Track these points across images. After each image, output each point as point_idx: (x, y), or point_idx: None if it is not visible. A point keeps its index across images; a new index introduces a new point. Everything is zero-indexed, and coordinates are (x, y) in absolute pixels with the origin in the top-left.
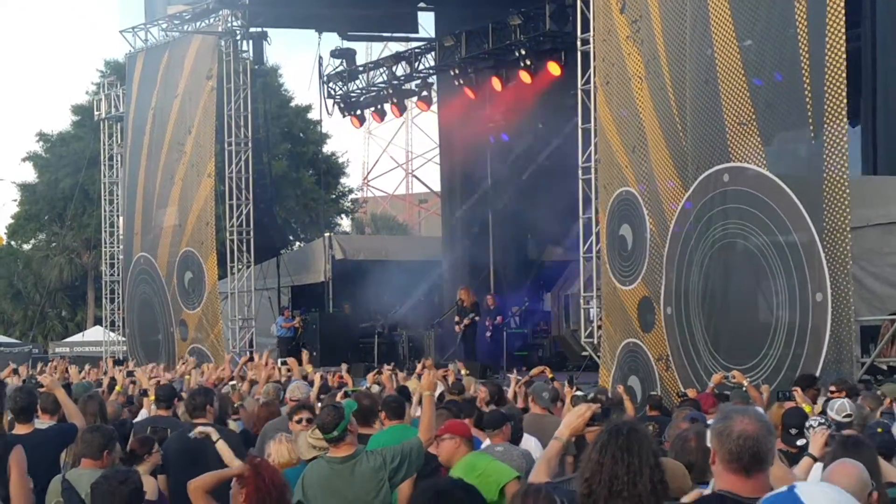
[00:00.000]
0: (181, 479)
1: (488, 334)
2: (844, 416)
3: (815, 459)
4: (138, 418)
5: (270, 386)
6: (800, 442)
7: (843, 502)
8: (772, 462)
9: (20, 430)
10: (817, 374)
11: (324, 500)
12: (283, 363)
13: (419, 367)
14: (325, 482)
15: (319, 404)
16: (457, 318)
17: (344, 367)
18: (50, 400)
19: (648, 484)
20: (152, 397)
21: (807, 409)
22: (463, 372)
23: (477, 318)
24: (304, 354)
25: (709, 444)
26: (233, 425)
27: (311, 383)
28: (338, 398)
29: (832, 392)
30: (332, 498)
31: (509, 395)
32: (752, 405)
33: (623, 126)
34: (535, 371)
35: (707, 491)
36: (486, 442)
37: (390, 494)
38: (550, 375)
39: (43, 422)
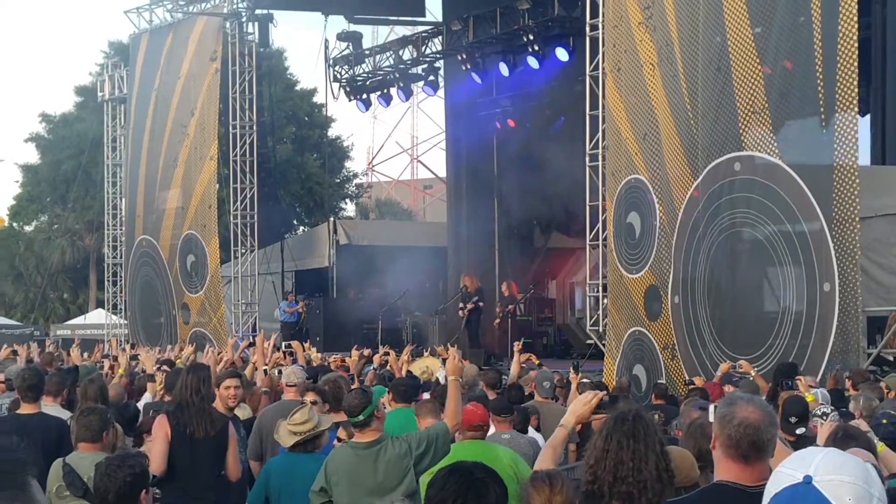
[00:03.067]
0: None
1: (497, 322)
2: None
3: None
4: (142, 401)
5: (274, 372)
6: (799, 430)
7: (870, 488)
8: (772, 453)
9: (26, 409)
10: (823, 364)
11: (348, 487)
12: (288, 346)
13: (426, 353)
14: (349, 468)
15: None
16: (461, 305)
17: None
18: (53, 382)
19: (654, 470)
20: (158, 384)
21: (809, 398)
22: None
23: (481, 304)
24: (298, 347)
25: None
26: (241, 412)
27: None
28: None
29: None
30: (356, 484)
31: (510, 381)
32: (760, 395)
33: (634, 113)
34: (522, 359)
35: None
36: (492, 429)
37: (415, 481)
38: (537, 362)
39: (46, 404)
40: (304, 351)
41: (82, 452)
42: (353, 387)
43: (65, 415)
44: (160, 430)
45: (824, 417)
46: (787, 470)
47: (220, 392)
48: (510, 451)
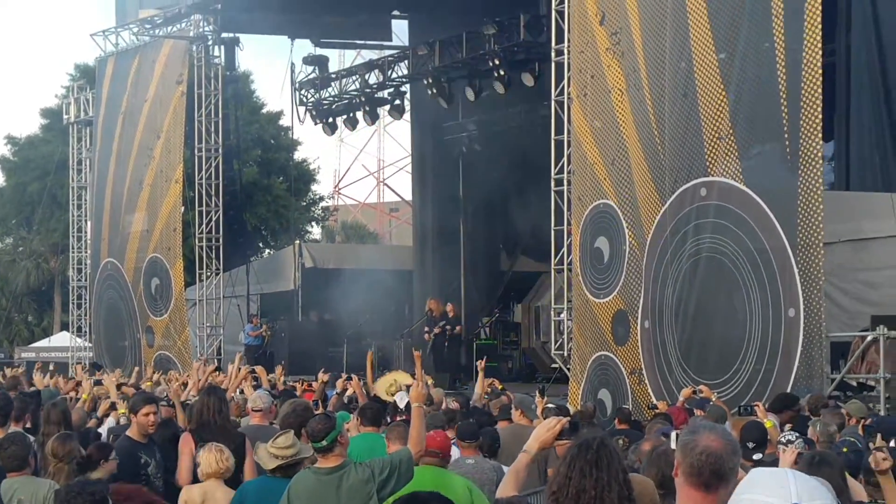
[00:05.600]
0: None
1: (445, 343)
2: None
3: None
4: (105, 426)
5: (239, 397)
6: (756, 456)
7: None
8: (733, 482)
9: None
10: (788, 389)
11: None
12: (251, 372)
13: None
14: (311, 494)
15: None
16: (426, 329)
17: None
18: (15, 406)
19: (616, 499)
20: (121, 410)
21: (767, 424)
22: (430, 382)
23: (457, 329)
24: (262, 371)
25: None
26: None
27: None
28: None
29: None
30: None
31: (475, 402)
32: (726, 421)
33: (601, 138)
34: (486, 382)
35: None
36: (457, 454)
37: None
38: (500, 387)
39: (11, 429)
40: (267, 376)
41: (11, 479)
42: (317, 412)
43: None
44: (186, 447)
45: (788, 444)
46: (763, 498)
47: (137, 419)
48: (465, 481)
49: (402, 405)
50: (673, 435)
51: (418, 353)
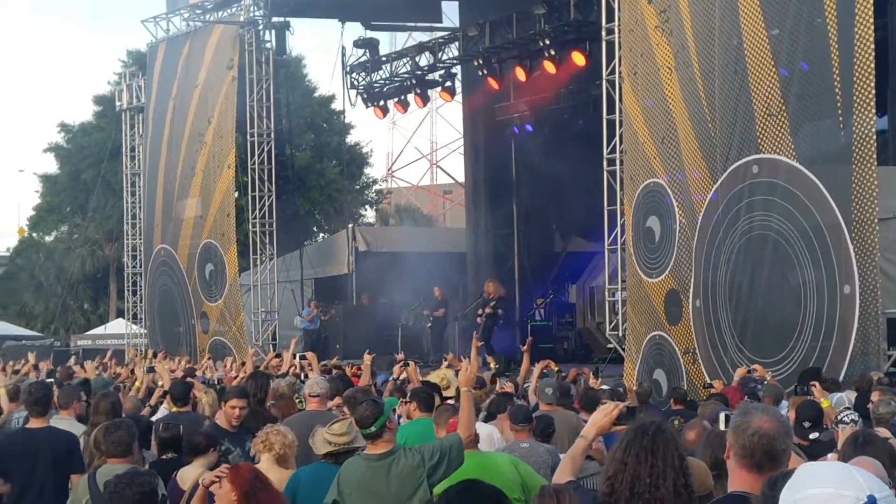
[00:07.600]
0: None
1: (429, 325)
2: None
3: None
4: (157, 415)
5: (284, 381)
6: (812, 435)
7: None
8: (786, 463)
9: (35, 423)
10: (844, 367)
11: (360, 499)
12: (303, 357)
13: (445, 361)
14: (361, 480)
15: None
16: (479, 311)
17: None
18: (64, 394)
19: (671, 487)
20: (205, 399)
21: (824, 403)
22: (492, 365)
23: (499, 311)
24: (313, 357)
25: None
26: None
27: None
28: None
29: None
30: (369, 496)
31: (531, 389)
32: (783, 399)
33: (651, 117)
34: (541, 365)
35: None
36: (497, 440)
37: (429, 492)
38: (556, 368)
39: (61, 418)
40: (319, 362)
41: (111, 466)
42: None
43: (78, 428)
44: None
45: (854, 424)
46: (837, 491)
47: (225, 409)
48: (508, 456)
49: None
50: (722, 416)
51: (477, 342)
